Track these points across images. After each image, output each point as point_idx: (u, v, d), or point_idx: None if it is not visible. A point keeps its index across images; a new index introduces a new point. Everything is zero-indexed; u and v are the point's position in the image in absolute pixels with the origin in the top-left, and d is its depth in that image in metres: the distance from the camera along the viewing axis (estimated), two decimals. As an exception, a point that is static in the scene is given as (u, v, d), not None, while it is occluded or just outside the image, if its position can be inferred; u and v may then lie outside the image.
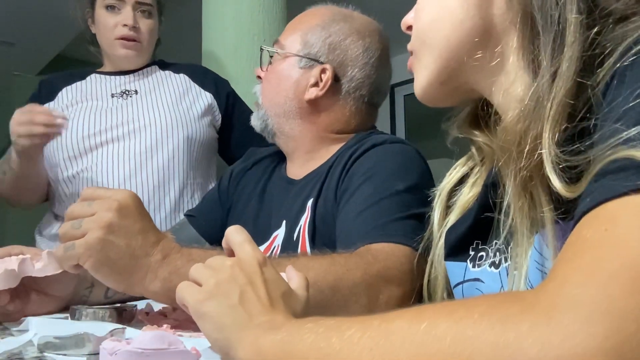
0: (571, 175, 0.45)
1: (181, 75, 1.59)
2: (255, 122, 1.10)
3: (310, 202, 0.97)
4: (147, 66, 1.59)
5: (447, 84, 0.64)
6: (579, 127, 0.46)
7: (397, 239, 0.79)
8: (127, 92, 1.53)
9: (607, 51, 0.45)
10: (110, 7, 1.50)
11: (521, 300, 0.35)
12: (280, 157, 1.16)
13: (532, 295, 0.35)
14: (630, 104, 0.39)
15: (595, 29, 0.48)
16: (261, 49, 1.11)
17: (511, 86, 0.56)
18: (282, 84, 1.05)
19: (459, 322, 0.35)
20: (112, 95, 1.52)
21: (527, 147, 0.48)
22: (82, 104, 1.50)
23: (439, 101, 0.68)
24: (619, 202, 0.35)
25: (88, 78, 1.57)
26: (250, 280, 0.53)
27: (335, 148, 1.02)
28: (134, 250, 0.69)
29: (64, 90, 1.54)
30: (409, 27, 0.69)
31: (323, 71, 1.02)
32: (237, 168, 1.22)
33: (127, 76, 1.57)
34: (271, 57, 1.09)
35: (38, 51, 3.94)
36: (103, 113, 1.47)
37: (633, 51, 0.42)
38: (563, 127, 0.47)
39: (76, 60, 4.08)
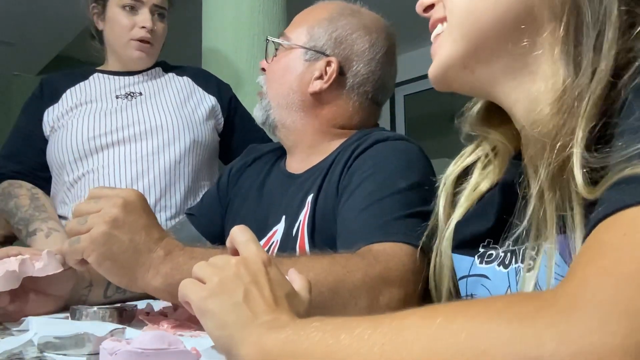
0: (591, 176, 0.45)
1: (184, 78, 1.59)
2: (257, 112, 1.10)
3: (310, 198, 0.97)
4: (150, 68, 1.59)
5: (468, 71, 0.60)
6: (602, 129, 0.46)
7: (399, 237, 0.78)
8: (131, 94, 1.52)
9: (635, 60, 0.46)
10: (128, 7, 1.47)
11: (539, 299, 0.35)
12: (280, 153, 1.15)
13: (551, 295, 0.35)
14: None
15: (637, 29, 0.48)
16: (267, 40, 1.11)
17: (541, 82, 0.55)
18: (286, 75, 1.05)
19: (475, 317, 0.35)
20: (117, 97, 1.51)
21: (561, 141, 0.48)
22: (86, 105, 1.49)
23: (449, 85, 0.64)
24: (638, 209, 0.36)
25: (91, 78, 1.56)
26: (255, 279, 0.52)
27: (337, 143, 1.01)
28: (137, 245, 0.70)
29: (67, 92, 1.52)
30: (428, 8, 0.64)
31: (328, 64, 1.02)
32: (236, 165, 1.22)
33: (131, 77, 1.56)
34: (276, 49, 1.08)
35: (38, 51, 3.93)
36: (108, 115, 1.46)
37: None
38: (592, 125, 0.47)
39: (76, 60, 4.08)
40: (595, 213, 0.39)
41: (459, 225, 0.68)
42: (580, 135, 0.46)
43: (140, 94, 1.52)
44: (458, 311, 0.37)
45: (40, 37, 3.68)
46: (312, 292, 0.62)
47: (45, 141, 1.50)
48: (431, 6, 0.64)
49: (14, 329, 0.69)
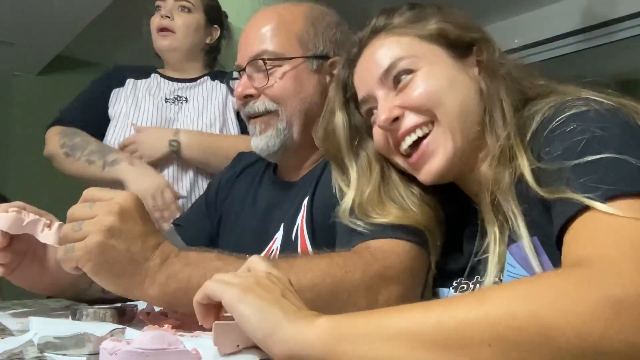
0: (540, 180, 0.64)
1: (223, 84, 1.63)
2: (266, 143, 1.00)
3: (306, 201, 0.96)
4: (202, 77, 1.66)
5: (461, 161, 0.76)
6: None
7: (395, 234, 0.78)
8: (178, 98, 1.60)
9: (533, 118, 0.70)
10: (157, 8, 1.62)
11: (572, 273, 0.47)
12: (268, 161, 1.13)
13: (580, 269, 0.47)
14: (564, 153, 0.61)
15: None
16: (264, 60, 1.00)
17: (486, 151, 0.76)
18: (303, 89, 1.00)
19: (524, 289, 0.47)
20: (166, 100, 1.59)
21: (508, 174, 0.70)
22: (137, 104, 1.57)
23: (445, 178, 0.77)
24: (586, 215, 0.54)
25: (152, 76, 1.65)
26: (286, 285, 0.56)
27: None
28: (134, 254, 0.68)
29: (131, 80, 1.63)
30: (396, 119, 0.76)
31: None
32: (225, 176, 1.20)
33: (182, 83, 1.64)
34: (268, 69, 0.99)
35: (38, 51, 3.93)
36: (153, 118, 1.55)
37: (550, 126, 0.65)
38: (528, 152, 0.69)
39: (76, 60, 4.08)
40: (557, 220, 0.57)
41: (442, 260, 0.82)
42: (524, 160, 0.67)
43: (186, 99, 1.60)
44: (503, 288, 0.47)
45: (40, 37, 3.67)
46: (310, 294, 0.62)
47: (106, 109, 1.59)
48: (396, 118, 0.76)
49: (14, 329, 0.69)
